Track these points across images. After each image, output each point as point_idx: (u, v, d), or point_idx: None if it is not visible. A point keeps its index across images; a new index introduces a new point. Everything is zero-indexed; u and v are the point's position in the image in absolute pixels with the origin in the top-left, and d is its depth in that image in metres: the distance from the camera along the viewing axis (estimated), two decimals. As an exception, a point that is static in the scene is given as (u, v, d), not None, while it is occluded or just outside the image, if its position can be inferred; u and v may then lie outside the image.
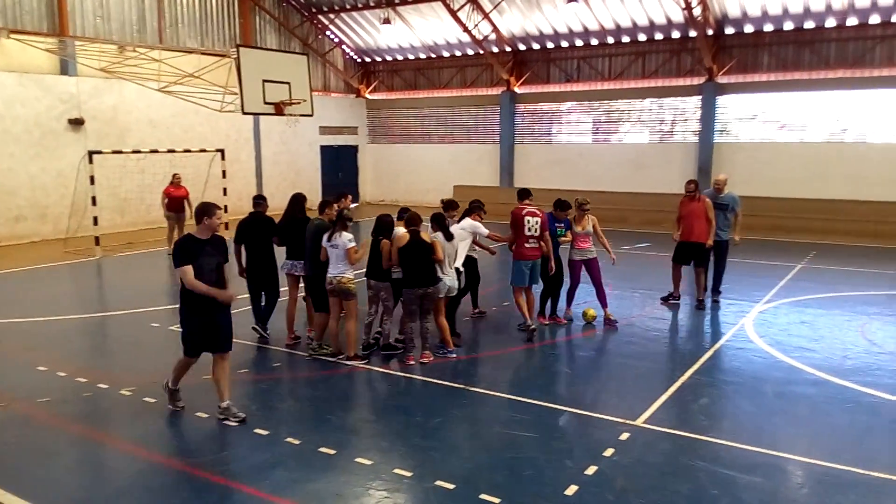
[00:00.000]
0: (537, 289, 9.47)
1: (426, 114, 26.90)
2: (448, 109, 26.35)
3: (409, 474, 5.27)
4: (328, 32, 25.97)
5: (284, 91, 15.27)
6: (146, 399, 6.80)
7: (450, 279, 8.11)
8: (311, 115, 16.73)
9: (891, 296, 11.32)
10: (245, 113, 14.97)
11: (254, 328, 8.89)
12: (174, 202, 15.40)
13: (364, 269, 8.25)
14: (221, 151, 17.90)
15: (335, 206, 8.61)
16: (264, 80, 15.04)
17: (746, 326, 9.44)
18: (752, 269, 13.12)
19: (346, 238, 7.67)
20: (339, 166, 27.06)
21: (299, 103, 15.60)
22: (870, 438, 5.96)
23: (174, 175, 15.75)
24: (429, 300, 7.91)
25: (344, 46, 26.80)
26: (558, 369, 8.10)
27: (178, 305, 6.22)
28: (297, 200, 8.82)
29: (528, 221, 8.81)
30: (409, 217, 7.99)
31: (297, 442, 5.86)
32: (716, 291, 10.67)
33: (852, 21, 18.82)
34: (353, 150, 27.88)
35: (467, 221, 8.95)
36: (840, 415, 6.50)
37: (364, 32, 25.71)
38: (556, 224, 9.33)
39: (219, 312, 6.14)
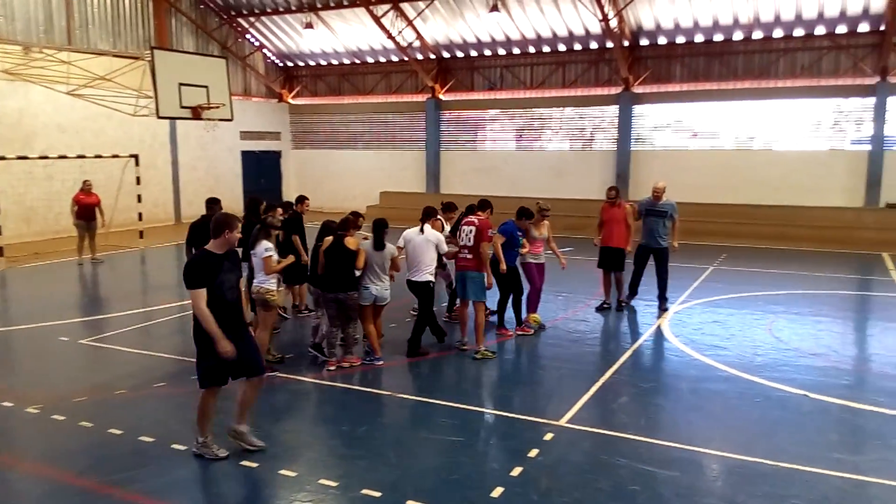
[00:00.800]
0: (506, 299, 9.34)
1: (351, 119, 26.72)
2: (373, 115, 26.26)
3: (334, 484, 5.19)
4: (248, 36, 25.44)
5: (202, 95, 14.87)
6: (54, 417, 6.44)
7: (378, 289, 7.88)
8: (230, 120, 16.35)
9: (795, 295, 11.98)
10: (160, 117, 14.52)
11: None
12: (85, 210, 14.70)
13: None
14: (135, 157, 17.21)
15: (279, 210, 8.62)
16: (181, 84, 14.62)
17: (663, 326, 9.78)
18: (668, 272, 13.62)
19: (262, 247, 7.46)
20: (262, 172, 26.51)
21: (218, 107, 15.24)
22: (778, 431, 6.27)
23: (85, 182, 15.03)
24: (344, 306, 7.78)
25: (265, 50, 26.31)
26: (484, 373, 8.15)
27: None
28: (254, 204, 8.76)
29: (462, 231, 8.48)
30: (340, 221, 7.86)
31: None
32: (661, 299, 10.72)
33: (758, 34, 19.89)
34: (276, 155, 27.38)
35: (429, 230, 8.49)
36: (751, 409, 6.81)
37: (286, 36, 25.32)
38: (517, 232, 9.05)
39: (243, 331, 5.58)
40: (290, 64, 27.26)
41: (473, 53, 23.85)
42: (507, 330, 9.38)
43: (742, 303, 11.33)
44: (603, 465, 5.54)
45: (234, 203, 24.87)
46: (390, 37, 21.97)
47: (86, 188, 14.86)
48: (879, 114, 18.80)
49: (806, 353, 8.56)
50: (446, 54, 24.28)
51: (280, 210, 9.03)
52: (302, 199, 10.49)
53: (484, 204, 8.81)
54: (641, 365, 8.34)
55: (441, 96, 24.58)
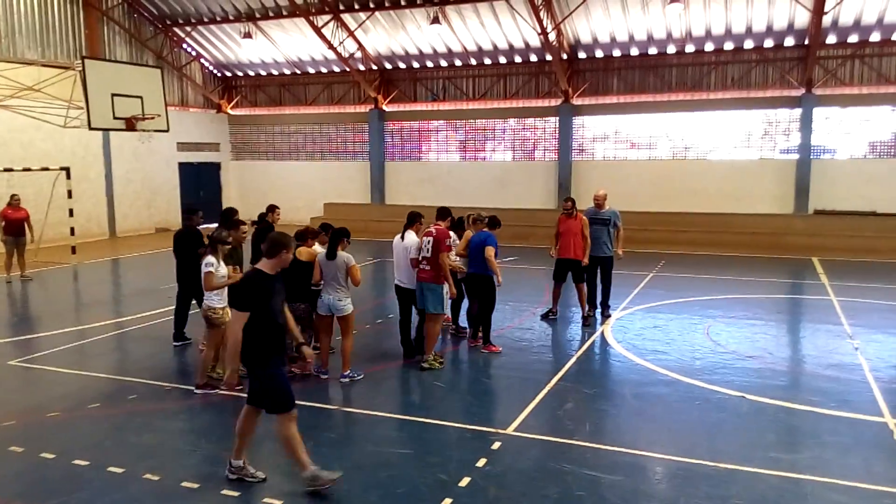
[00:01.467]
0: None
1: (293, 130, 26.42)
2: (316, 126, 26.02)
3: (279, 502, 5.07)
4: (185, 45, 24.88)
5: (136, 105, 14.48)
6: (-22, 443, 6.10)
7: (331, 299, 7.63)
8: (166, 131, 15.95)
9: (730, 299, 12.37)
10: (92, 128, 14.05)
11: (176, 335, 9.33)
12: (13, 225, 14.08)
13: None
14: (66, 170, 16.57)
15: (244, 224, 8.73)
16: (113, 94, 14.21)
17: (606, 333, 9.95)
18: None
19: (204, 262, 7.25)
20: (201, 184, 25.92)
21: (153, 118, 14.85)
22: (718, 433, 6.44)
23: (13, 196, 14.41)
24: (296, 317, 7.63)
25: (202, 60, 25.79)
26: (431, 384, 8.12)
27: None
28: (228, 214, 8.93)
29: (423, 242, 8.30)
30: (297, 231, 7.74)
31: (156, 478, 5.47)
32: (605, 306, 10.80)
33: (690, 48, 20.58)
34: (216, 167, 26.82)
35: (409, 236, 8.40)
36: (691, 412, 6.98)
37: (224, 46, 24.88)
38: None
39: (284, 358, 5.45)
40: (228, 74, 26.79)
41: (416, 65, 23.93)
42: (475, 341, 9.25)
43: (681, 308, 11.63)
44: (550, 472, 5.58)
45: (171, 216, 24.30)
46: (331, 47, 21.84)
47: (14, 203, 14.24)
48: (806, 124, 19.67)
49: (742, 356, 8.83)
50: (389, 66, 24.29)
51: (244, 227, 8.76)
52: (273, 209, 10.46)
53: (443, 212, 8.77)
54: (586, 371, 8.44)
55: (384, 107, 24.56)
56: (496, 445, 6.04)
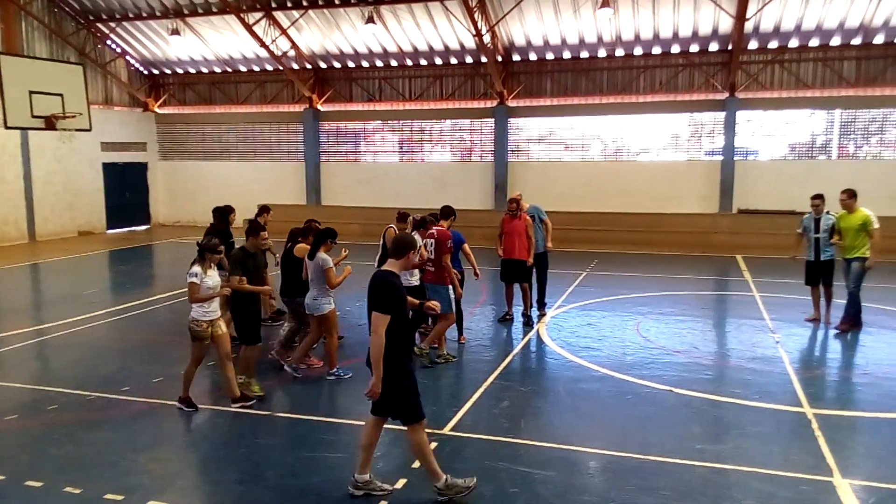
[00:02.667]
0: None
1: (224, 130, 25.77)
2: (248, 125, 25.47)
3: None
4: (109, 42, 23.96)
5: (56, 103, 13.88)
6: None
7: (308, 298, 7.71)
8: (89, 130, 15.34)
9: (660, 296, 12.73)
10: (8, 127, 13.36)
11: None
12: (-81, 229, 13.25)
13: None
14: (-19, 170, 15.73)
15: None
16: (32, 92, 13.58)
17: (541, 331, 10.08)
18: (545, 278, 14.09)
19: (189, 272, 6.82)
20: (127, 185, 25.05)
21: (74, 117, 14.24)
22: (647, 426, 6.61)
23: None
24: (295, 311, 8.25)
25: (128, 57, 24.90)
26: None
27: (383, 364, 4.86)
28: (223, 213, 9.39)
29: (426, 244, 8.33)
30: (302, 228, 8.30)
31: (77, 491, 5.24)
32: (541, 304, 10.93)
33: (620, 52, 21.09)
34: (142, 167, 25.92)
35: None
36: (622, 407, 7.14)
37: (150, 43, 24.08)
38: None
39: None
40: (155, 71, 25.94)
41: (351, 64, 23.73)
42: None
43: (613, 305, 11.90)
44: (485, 470, 5.60)
45: (94, 218, 23.39)
46: (263, 46, 21.42)
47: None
48: (730, 126, 20.44)
49: (671, 351, 9.10)
50: (323, 64, 24.00)
51: (264, 233, 7.87)
52: (264, 211, 10.68)
53: (446, 212, 8.93)
54: (522, 369, 8.54)
55: (319, 107, 24.25)
56: (432, 445, 6.01)
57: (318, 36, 22.33)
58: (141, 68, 25.61)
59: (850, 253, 9.81)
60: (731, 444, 6.14)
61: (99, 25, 23.10)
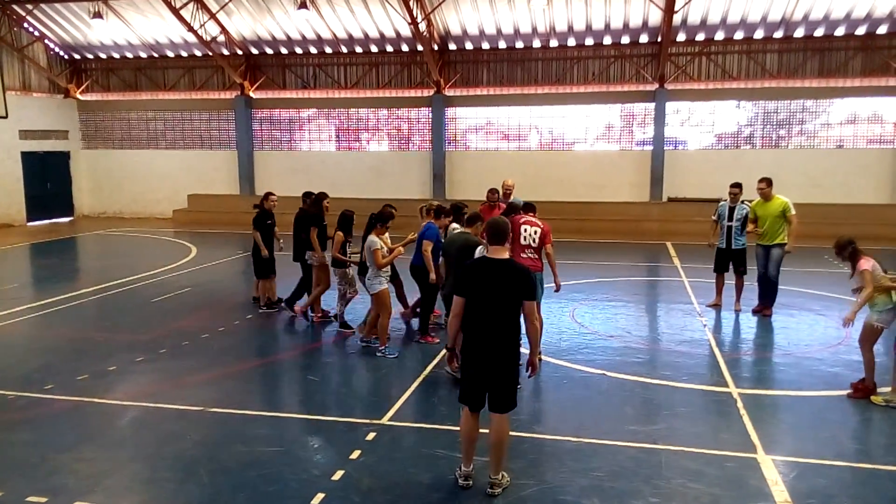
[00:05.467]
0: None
1: (151, 117, 24.84)
2: (177, 113, 24.62)
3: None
4: (26, 24, 22.71)
5: (-32, 88, 13.03)
6: None
7: (366, 278, 8.54)
8: (5, 117, 14.53)
9: (593, 283, 13.01)
10: (-86, 112, 12.50)
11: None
12: None
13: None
14: None
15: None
16: (-60, 75, 12.71)
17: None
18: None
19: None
20: (48, 175, 23.89)
21: (-11, 102, 13.44)
22: (582, 409, 6.75)
23: None
24: None
25: (47, 41, 23.67)
26: (304, 378, 7.96)
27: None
28: (317, 199, 10.22)
29: (525, 231, 8.14)
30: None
31: (-6, 496, 4.99)
32: None
33: (554, 43, 21.34)
34: (64, 156, 24.76)
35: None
36: (558, 391, 7.28)
37: (71, 26, 22.96)
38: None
39: None
40: (77, 56, 24.76)
41: (284, 51, 23.22)
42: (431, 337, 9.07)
43: (548, 292, 11.98)
44: (424, 458, 5.62)
45: (13, 210, 22.25)
46: (191, 30, 20.70)
47: None
48: (659, 117, 20.98)
49: (604, 336, 9.31)
50: (255, 50, 23.40)
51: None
52: (268, 196, 10.91)
53: (528, 206, 8.82)
54: (459, 357, 8.56)
55: (251, 94, 23.66)
56: (370, 436, 6.00)
57: (248, 21, 21.74)
58: (61, 53, 24.40)
59: (770, 239, 10.17)
60: (662, 425, 6.33)
61: (15, 7, 21.82)
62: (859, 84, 19.91)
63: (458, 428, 6.20)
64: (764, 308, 10.35)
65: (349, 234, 9.22)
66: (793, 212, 10.07)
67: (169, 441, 6.01)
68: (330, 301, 10.15)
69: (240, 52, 23.12)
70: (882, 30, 19.33)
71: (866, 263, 6.77)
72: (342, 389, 7.62)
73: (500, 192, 10.93)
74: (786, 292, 10.76)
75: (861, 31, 19.44)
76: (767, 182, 10.26)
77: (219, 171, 24.27)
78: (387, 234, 8.72)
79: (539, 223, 8.30)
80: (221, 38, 22.00)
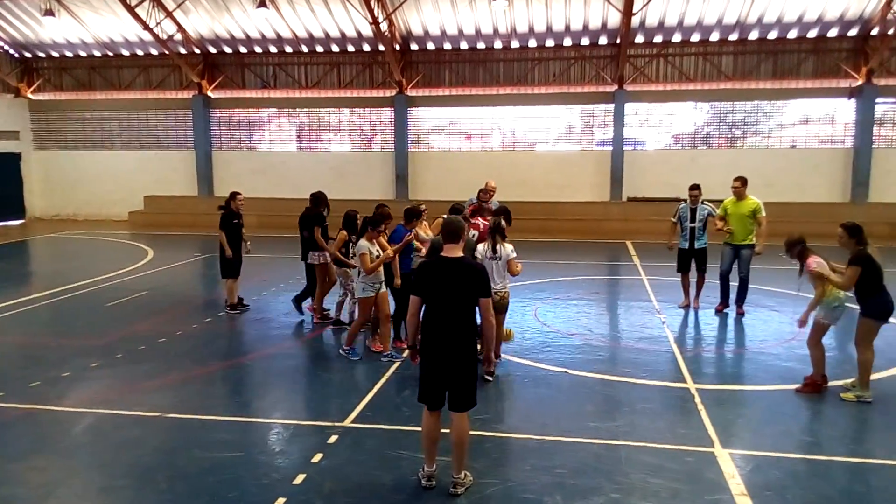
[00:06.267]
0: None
1: (106, 117, 24.27)
2: (133, 113, 24.11)
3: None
4: (-27, 20, 22.01)
5: (-89, 86, 12.55)
6: None
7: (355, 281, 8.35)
8: (-49, 116, 14.01)
9: (556, 282, 13.12)
10: None
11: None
12: None
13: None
14: None
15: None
16: None
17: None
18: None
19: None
20: (-3, 177, 23.18)
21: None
22: (544, 408, 6.79)
23: None
24: None
25: (-4, 38, 22.97)
26: (265, 381, 7.85)
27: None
28: (317, 199, 10.04)
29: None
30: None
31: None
32: None
33: (515, 44, 21.46)
34: (15, 157, 24.04)
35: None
36: (521, 389, 7.31)
37: (22, 24, 22.31)
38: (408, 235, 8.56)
39: None
40: (28, 55, 24.06)
41: (243, 50, 22.90)
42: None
43: (511, 291, 12.06)
44: (386, 460, 5.58)
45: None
46: (147, 28, 20.27)
47: None
48: (619, 118, 21.27)
49: (566, 334, 9.39)
50: (213, 49, 23.03)
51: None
52: (235, 196, 10.72)
53: (503, 210, 8.83)
54: (422, 358, 8.53)
55: (209, 93, 23.28)
56: (333, 439, 5.95)
57: (206, 19, 21.39)
58: (11, 51, 23.68)
59: (740, 239, 10.21)
60: (623, 421, 6.41)
61: (-40, 2, 21.16)
62: (811, 86, 20.48)
63: (421, 429, 6.21)
64: (738, 307, 10.46)
65: (353, 233, 8.87)
66: (763, 213, 10.14)
67: (125, 448, 5.86)
68: (329, 303, 10.14)
69: (197, 51, 22.74)
70: (833, 32, 19.92)
71: (813, 262, 6.94)
72: (304, 392, 7.54)
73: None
74: (742, 289, 10.97)
75: (813, 33, 19.99)
76: (742, 181, 10.36)
77: (176, 171, 23.83)
78: (383, 238, 8.34)
79: (480, 225, 8.64)
80: (178, 36, 21.61)
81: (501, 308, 7.69)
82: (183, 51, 22.30)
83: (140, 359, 8.34)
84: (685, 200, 10.70)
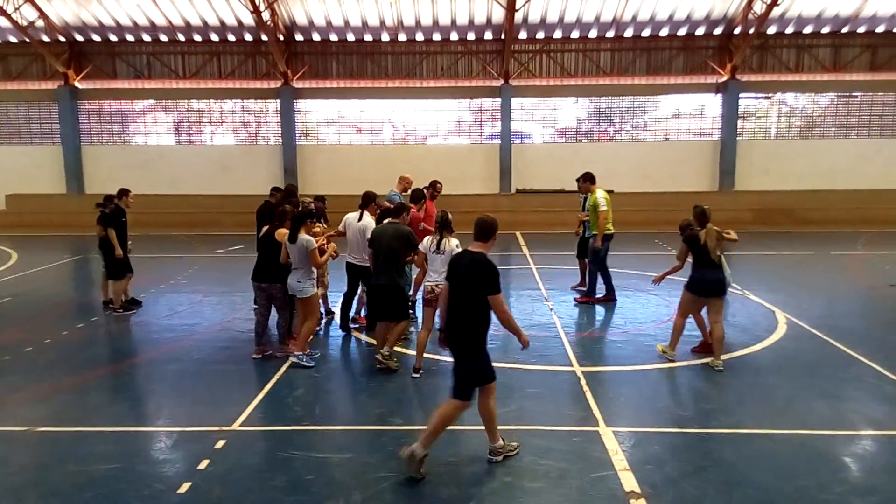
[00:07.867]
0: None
1: (-42, 109, 22.18)
2: (-11, 105, 22.17)
3: None
4: None
5: None
6: None
7: (291, 280, 7.65)
8: None
9: (448, 274, 13.22)
10: None
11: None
12: None
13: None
14: None
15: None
16: None
17: (336, 314, 9.98)
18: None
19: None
20: None
21: None
22: (439, 398, 6.75)
23: None
24: (270, 297, 7.97)
25: None
26: (146, 388, 7.45)
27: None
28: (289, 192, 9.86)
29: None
30: (277, 212, 8.04)
31: None
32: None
33: (402, 37, 21.43)
34: None
35: (367, 219, 8.63)
36: (415, 381, 7.31)
37: None
38: None
39: None
40: None
41: (113, 38, 21.55)
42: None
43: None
44: (278, 461, 5.44)
45: None
46: (4, 13, 18.67)
47: None
48: (505, 113, 21.75)
49: (459, 325, 9.48)
50: (80, 37, 21.53)
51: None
52: (126, 192, 10.42)
53: (416, 196, 9.59)
54: (320, 355, 8.38)
55: (77, 84, 21.76)
56: (220, 444, 5.72)
57: (71, 5, 19.97)
58: None
59: (591, 232, 10.74)
60: (514, 406, 6.56)
61: None
62: (682, 81, 21.76)
63: (315, 427, 6.11)
64: (581, 296, 10.96)
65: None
66: (602, 208, 10.32)
67: (-13, 468, 5.39)
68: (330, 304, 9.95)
69: (62, 39, 21.18)
70: (700, 31, 21.24)
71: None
72: (188, 397, 7.19)
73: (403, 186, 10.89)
74: (620, 275, 11.51)
75: (682, 31, 21.23)
76: (584, 177, 10.76)
77: (42, 168, 22.15)
78: (318, 227, 8.50)
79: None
80: (40, 23, 20.04)
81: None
82: (46, 38, 20.70)
83: (3, 371, 7.70)
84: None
